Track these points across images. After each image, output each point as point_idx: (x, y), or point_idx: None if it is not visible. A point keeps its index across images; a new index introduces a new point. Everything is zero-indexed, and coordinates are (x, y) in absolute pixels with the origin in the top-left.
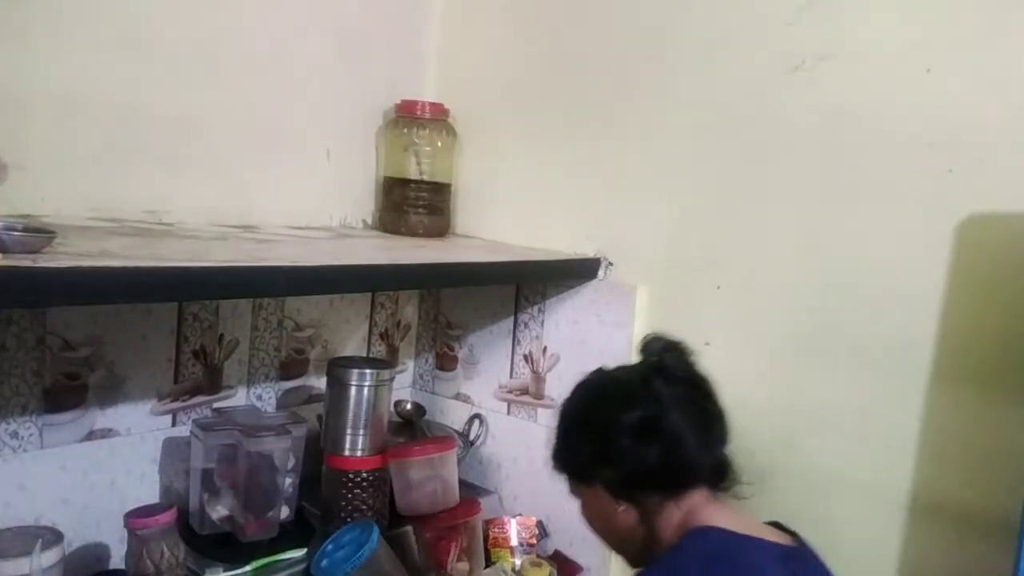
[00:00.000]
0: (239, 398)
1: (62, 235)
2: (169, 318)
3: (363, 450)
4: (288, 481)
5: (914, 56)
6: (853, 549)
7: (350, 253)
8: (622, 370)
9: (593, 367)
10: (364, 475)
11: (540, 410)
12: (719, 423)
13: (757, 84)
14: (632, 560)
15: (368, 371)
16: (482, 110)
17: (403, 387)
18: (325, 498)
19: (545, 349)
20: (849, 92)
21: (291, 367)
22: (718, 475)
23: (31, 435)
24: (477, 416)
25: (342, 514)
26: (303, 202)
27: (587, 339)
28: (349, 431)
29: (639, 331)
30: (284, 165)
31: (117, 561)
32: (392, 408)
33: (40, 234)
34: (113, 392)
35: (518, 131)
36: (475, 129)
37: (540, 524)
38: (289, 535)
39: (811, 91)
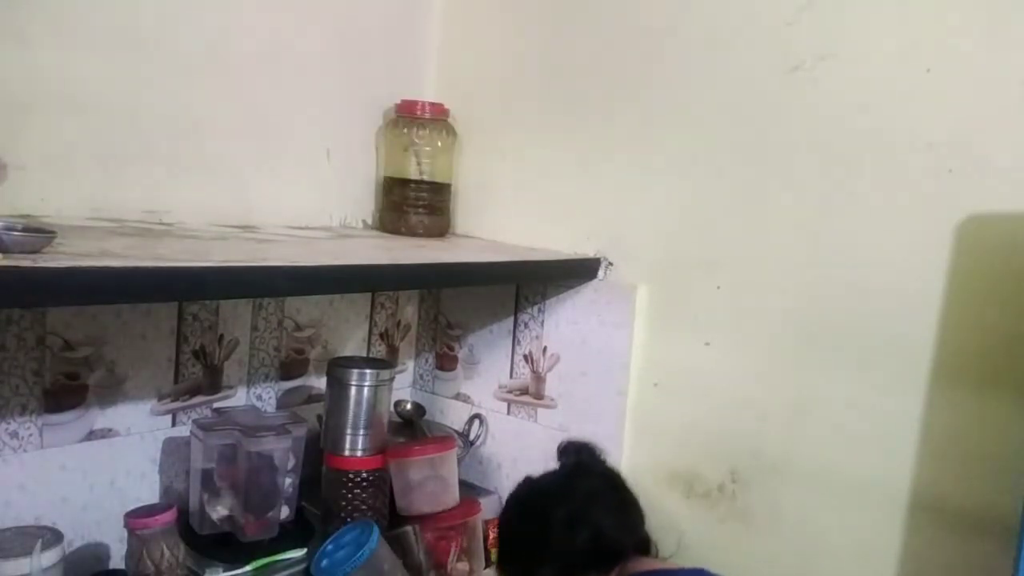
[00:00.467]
0: (239, 398)
1: (62, 235)
2: (169, 318)
3: (363, 450)
4: (288, 481)
5: (914, 56)
6: (853, 549)
7: (350, 253)
8: (546, 476)
9: (593, 367)
10: (364, 475)
11: (540, 410)
12: (635, 507)
13: (757, 84)
14: None
15: (368, 371)
16: (482, 110)
17: (403, 387)
18: (325, 498)
19: (545, 349)
20: (849, 92)
21: (291, 367)
22: (642, 549)
23: (31, 435)
24: (477, 416)
25: (342, 514)
26: (303, 202)
27: (587, 339)
28: (349, 431)
29: (639, 331)
30: (284, 165)
31: (117, 561)
32: (392, 408)
33: (40, 234)
34: (113, 392)
35: (518, 131)
36: (475, 129)
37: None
38: (289, 535)
39: (811, 91)
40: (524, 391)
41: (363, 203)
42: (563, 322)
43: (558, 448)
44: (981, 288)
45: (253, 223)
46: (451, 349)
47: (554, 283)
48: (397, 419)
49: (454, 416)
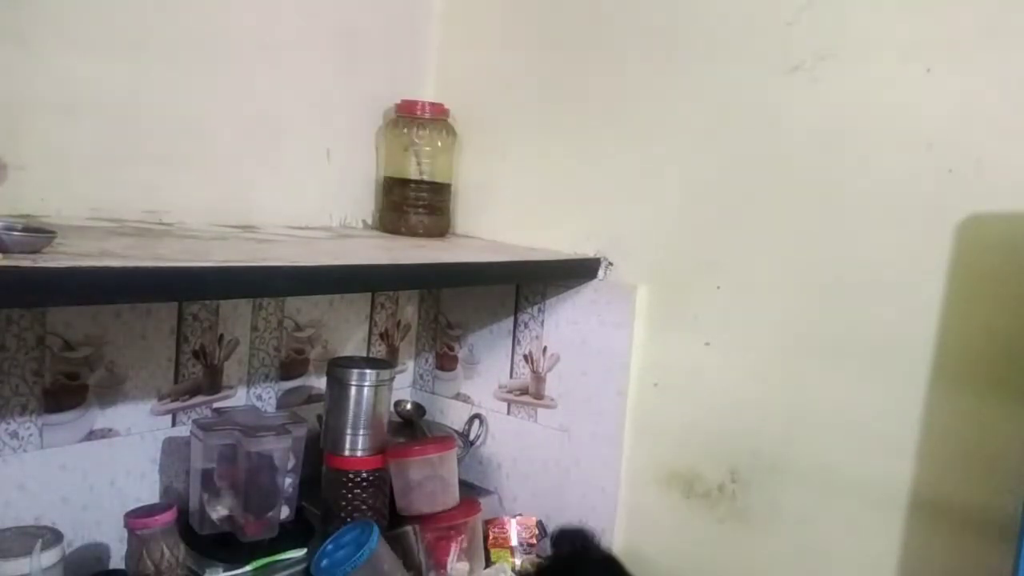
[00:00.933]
0: (239, 398)
1: (62, 235)
2: (169, 318)
3: (363, 450)
4: (288, 481)
5: (914, 56)
6: (853, 549)
7: (350, 253)
8: (544, 568)
9: (593, 367)
10: (364, 475)
11: (540, 410)
12: None
13: (757, 84)
14: None
15: (368, 371)
16: (482, 110)
17: (403, 387)
18: (325, 498)
19: (545, 349)
20: (849, 92)
21: (291, 367)
22: None
23: (31, 435)
24: (477, 416)
25: (342, 514)
26: (303, 202)
27: (587, 339)
28: (349, 431)
29: (639, 331)
30: (284, 165)
31: (117, 561)
32: (392, 408)
33: (40, 234)
34: (113, 392)
35: (518, 131)
36: (475, 129)
37: (540, 524)
38: (289, 535)
39: (811, 91)
40: (524, 391)
41: (363, 203)
42: (563, 322)
43: (551, 537)
44: (981, 288)
45: (253, 223)
46: (451, 349)
47: (554, 283)
48: (397, 419)
49: (454, 416)
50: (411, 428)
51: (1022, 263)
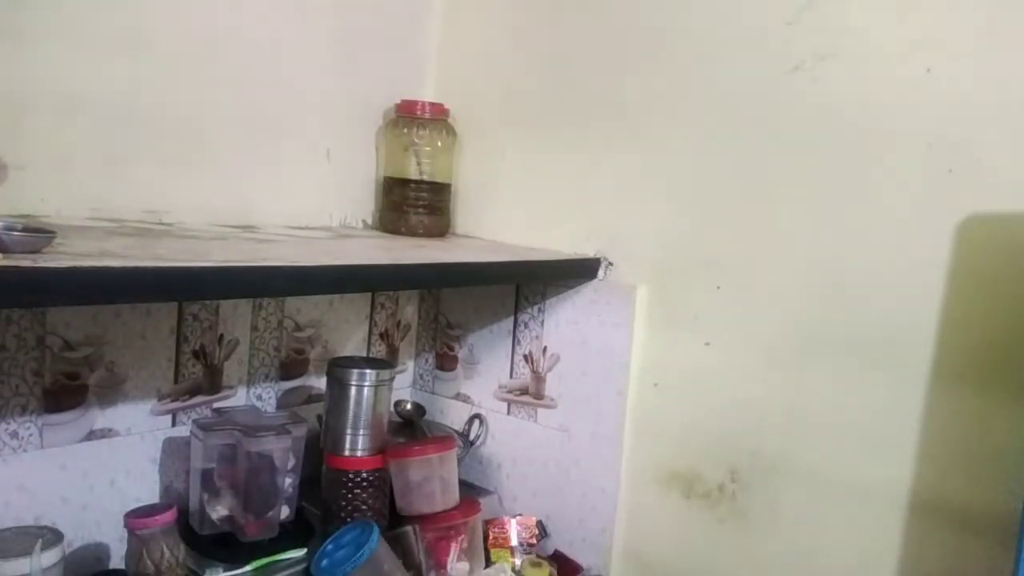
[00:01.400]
0: (239, 398)
1: (62, 235)
2: (169, 318)
3: (363, 450)
4: (288, 481)
5: (914, 56)
6: (853, 549)
7: (350, 253)
8: None
9: (593, 367)
10: (364, 475)
11: (540, 410)
12: None
13: (757, 84)
14: None
15: (368, 371)
16: (482, 110)
17: (403, 387)
18: (325, 498)
19: (545, 349)
20: (849, 92)
21: (291, 367)
22: None
23: (31, 435)
24: (477, 416)
25: (342, 514)
26: (303, 202)
27: (587, 339)
28: (349, 431)
29: (639, 331)
30: (284, 165)
31: (117, 561)
32: (392, 408)
33: (40, 234)
34: (113, 392)
35: (518, 131)
36: (475, 129)
37: (540, 524)
38: (289, 535)
39: (811, 91)
40: (524, 391)
41: (363, 203)
42: (563, 322)
43: None
44: (981, 288)
45: (253, 223)
46: (451, 349)
47: (554, 283)
48: (397, 419)
49: (454, 416)
50: (411, 428)
51: (1022, 263)
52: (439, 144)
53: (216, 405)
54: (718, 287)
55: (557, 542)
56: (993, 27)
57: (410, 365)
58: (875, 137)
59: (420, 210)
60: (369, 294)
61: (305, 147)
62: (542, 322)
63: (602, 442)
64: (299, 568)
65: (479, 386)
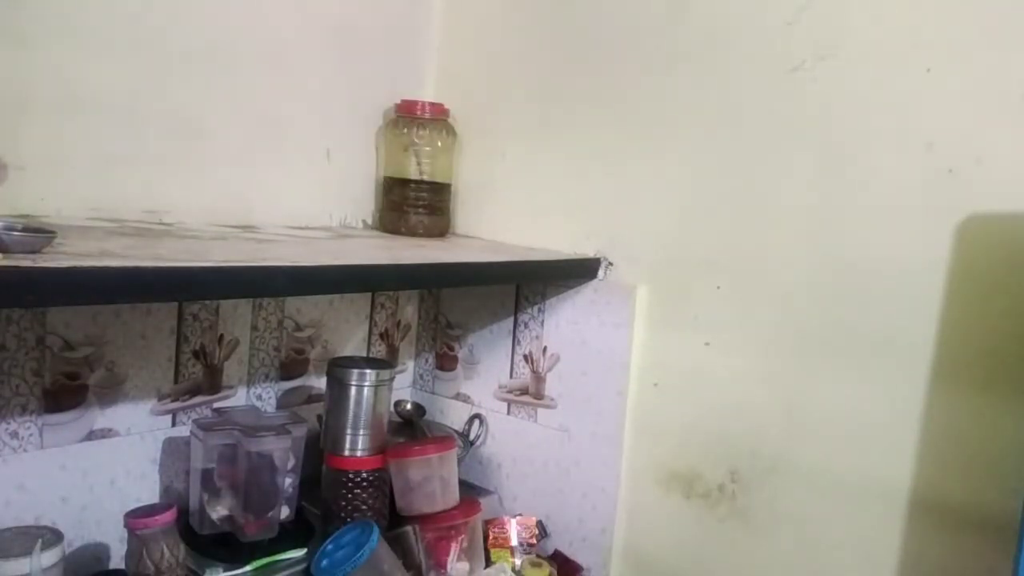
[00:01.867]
0: (239, 398)
1: (62, 235)
2: (169, 318)
3: (363, 450)
4: (288, 481)
5: (914, 56)
6: (853, 549)
7: (350, 253)
8: None
9: (593, 367)
10: (364, 475)
11: (540, 410)
12: None
13: (757, 84)
14: None
15: (368, 371)
16: (482, 110)
17: (403, 387)
18: (325, 498)
19: (545, 349)
20: (849, 92)
21: (291, 367)
22: None
23: (31, 435)
24: (477, 416)
25: (342, 514)
26: (303, 202)
27: (587, 339)
28: (349, 431)
29: (639, 331)
30: (284, 165)
31: (117, 561)
32: (392, 408)
33: (40, 234)
34: (113, 392)
35: (518, 131)
36: (475, 129)
37: (540, 524)
38: (289, 535)
39: (811, 91)
40: (524, 391)
41: (363, 203)
42: (563, 322)
43: None
44: (981, 288)
45: (253, 223)
46: (451, 349)
47: (554, 283)
48: (397, 419)
49: (454, 416)
50: (411, 428)
51: (1022, 263)
52: (439, 144)
53: (216, 405)
54: (718, 287)
55: (557, 542)
56: (993, 27)
57: (410, 365)
58: (875, 137)
59: (420, 210)
60: (369, 294)
61: (305, 147)
62: (542, 322)
63: (602, 442)
64: (299, 568)
65: (479, 386)
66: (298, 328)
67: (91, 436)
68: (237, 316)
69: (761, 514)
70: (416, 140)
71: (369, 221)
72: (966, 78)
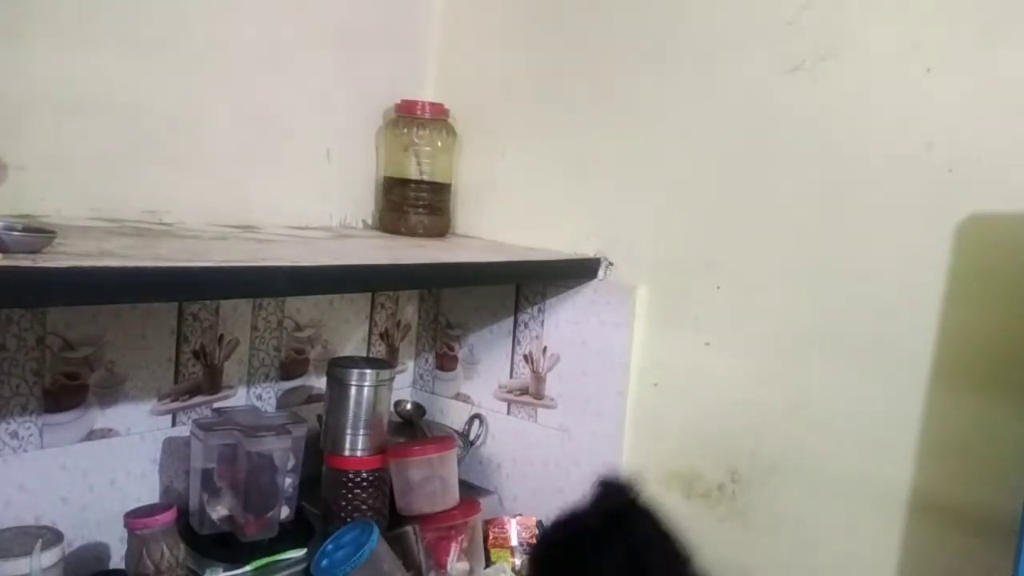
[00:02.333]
0: (239, 398)
1: (62, 235)
2: (169, 318)
3: (363, 450)
4: (288, 481)
5: (914, 56)
6: (853, 549)
7: (350, 253)
8: (589, 512)
9: (593, 367)
10: (364, 475)
11: (540, 410)
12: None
13: (757, 84)
14: None
15: (368, 371)
16: (482, 110)
17: (403, 387)
18: (325, 498)
19: (545, 349)
20: (849, 92)
21: (291, 367)
22: None
23: (31, 435)
24: (477, 416)
25: (342, 514)
26: (303, 202)
27: (587, 339)
28: (349, 431)
29: (639, 331)
30: (284, 165)
31: (117, 561)
32: (392, 408)
33: (40, 234)
34: (113, 392)
35: (518, 131)
36: (475, 129)
37: (540, 524)
38: (289, 535)
39: (811, 91)
40: (524, 391)
41: (363, 203)
42: (563, 322)
43: (599, 486)
44: (981, 288)
45: (253, 223)
46: (451, 349)
47: (554, 283)
48: (397, 419)
49: (454, 416)
50: (411, 428)
51: (1022, 263)
52: (439, 144)
53: (216, 405)
54: (718, 287)
55: None
56: (993, 27)
57: (410, 365)
58: (875, 137)
59: (420, 210)
60: (369, 294)
61: (305, 147)
62: (542, 322)
63: (602, 442)
64: (299, 568)
65: (479, 386)
66: (298, 328)
67: (91, 436)
68: (237, 316)
69: (761, 514)
70: (416, 140)
71: (369, 221)
72: (966, 78)
